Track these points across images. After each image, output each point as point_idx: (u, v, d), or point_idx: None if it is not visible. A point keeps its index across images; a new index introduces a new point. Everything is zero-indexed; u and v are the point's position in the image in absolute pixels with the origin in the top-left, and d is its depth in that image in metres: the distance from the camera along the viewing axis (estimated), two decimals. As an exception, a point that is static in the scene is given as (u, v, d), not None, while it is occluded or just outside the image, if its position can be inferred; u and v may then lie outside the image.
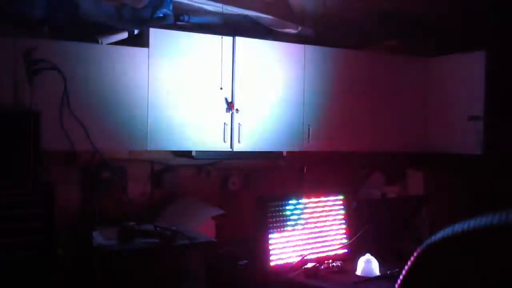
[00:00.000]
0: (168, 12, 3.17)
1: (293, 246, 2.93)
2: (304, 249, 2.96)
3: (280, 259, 2.87)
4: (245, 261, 3.05)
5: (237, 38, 3.27)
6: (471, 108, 3.65)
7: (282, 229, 2.90)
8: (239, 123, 3.26)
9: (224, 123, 3.24)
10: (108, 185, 3.29)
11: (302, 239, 2.97)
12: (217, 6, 3.37)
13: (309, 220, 3.02)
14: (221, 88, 3.22)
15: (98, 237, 2.76)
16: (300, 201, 3.00)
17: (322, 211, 3.08)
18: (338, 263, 2.87)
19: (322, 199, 3.09)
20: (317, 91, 3.52)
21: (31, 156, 2.40)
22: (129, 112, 2.99)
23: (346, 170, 4.08)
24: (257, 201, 2.89)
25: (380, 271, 2.78)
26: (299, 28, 3.65)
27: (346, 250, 3.08)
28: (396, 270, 2.65)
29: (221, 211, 3.44)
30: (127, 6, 3.10)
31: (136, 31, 3.12)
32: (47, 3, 2.88)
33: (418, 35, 4.01)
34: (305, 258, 2.90)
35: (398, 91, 3.86)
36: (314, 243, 3.02)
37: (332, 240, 3.09)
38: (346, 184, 3.94)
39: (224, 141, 3.23)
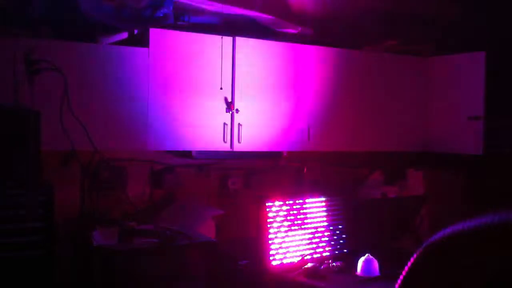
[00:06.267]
0: (168, 12, 3.17)
1: (293, 246, 2.93)
2: (304, 249, 2.96)
3: (280, 259, 2.87)
4: (245, 261, 3.05)
5: (237, 38, 3.27)
6: (471, 108, 3.65)
7: (282, 229, 2.90)
8: (239, 123, 3.26)
9: (224, 123, 3.24)
10: (108, 185, 3.29)
11: (302, 239, 2.97)
12: (217, 6, 3.36)
13: (309, 220, 3.02)
14: (221, 88, 3.22)
15: (98, 237, 2.76)
16: (300, 201, 3.00)
17: (322, 211, 3.08)
18: (338, 263, 2.87)
19: (322, 199, 3.09)
20: (317, 91, 3.52)
21: (31, 156, 2.40)
22: (129, 112, 2.99)
23: (346, 170, 4.08)
24: (257, 201, 2.89)
25: (380, 271, 2.78)
26: (299, 28, 3.65)
27: (346, 250, 3.08)
28: (396, 270, 2.65)
29: (221, 211, 3.44)
30: (127, 6, 3.10)
31: (136, 31, 3.12)
32: (47, 3, 2.88)
33: (418, 35, 4.01)
34: (305, 258, 2.90)
35: (398, 91, 3.86)
36: (314, 243, 3.02)
37: (332, 240, 3.09)
38: (346, 184, 3.94)
39: (224, 141, 3.23)
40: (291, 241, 2.93)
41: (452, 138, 3.79)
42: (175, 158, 3.55)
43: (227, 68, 3.25)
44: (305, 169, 3.96)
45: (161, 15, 3.14)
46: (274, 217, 2.89)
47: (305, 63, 3.48)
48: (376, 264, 2.79)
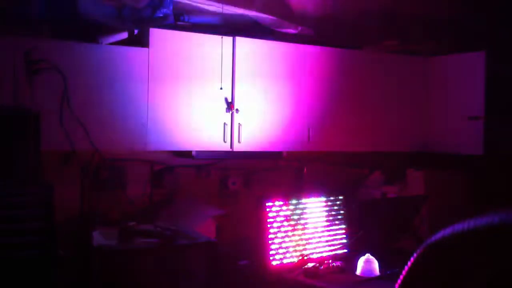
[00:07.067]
0: (168, 12, 3.17)
1: (293, 246, 2.93)
2: (304, 249, 2.96)
3: (280, 259, 2.87)
4: (245, 261, 3.05)
5: (237, 38, 3.27)
6: (471, 108, 3.65)
7: (282, 229, 2.90)
8: (239, 123, 3.26)
9: (224, 123, 3.24)
10: (108, 185, 3.29)
11: (302, 239, 2.97)
12: (217, 6, 3.37)
13: (309, 220, 3.02)
14: (221, 88, 3.22)
15: (98, 237, 2.76)
16: (300, 201, 3.00)
17: (322, 211, 3.08)
18: (338, 263, 2.87)
19: (322, 199, 3.09)
20: (317, 91, 3.53)
21: (31, 156, 2.40)
22: (129, 112, 2.99)
23: (346, 170, 4.08)
24: (257, 201, 2.89)
25: (380, 271, 2.78)
26: (299, 28, 3.65)
27: (346, 250, 3.08)
28: (396, 270, 2.65)
29: (221, 211, 3.44)
30: (127, 6, 3.10)
31: (136, 31, 3.12)
32: (47, 2, 2.88)
33: (418, 35, 4.01)
34: (305, 258, 2.90)
35: (398, 91, 3.86)
36: (314, 243, 3.02)
37: (332, 240, 3.09)
38: (346, 184, 3.94)
39: (224, 141, 3.23)
40: (291, 241, 2.93)
41: (452, 138, 3.79)
42: (175, 158, 3.55)
43: (227, 68, 3.25)
44: (305, 169, 3.96)
45: (161, 15, 3.14)
46: (274, 217, 2.89)
47: (305, 63, 3.48)
48: (376, 264, 2.79)
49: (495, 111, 3.59)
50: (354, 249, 3.02)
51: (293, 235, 2.94)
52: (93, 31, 2.99)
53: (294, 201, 2.97)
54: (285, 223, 2.92)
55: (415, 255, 0.93)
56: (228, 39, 3.25)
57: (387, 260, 2.83)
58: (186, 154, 3.40)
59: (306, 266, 2.79)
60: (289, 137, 3.44)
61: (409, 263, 0.94)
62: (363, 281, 2.70)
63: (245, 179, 3.80)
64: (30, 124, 2.42)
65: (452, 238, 0.86)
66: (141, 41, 3.08)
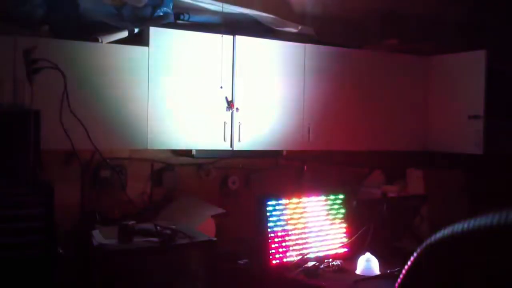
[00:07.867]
0: (169, 11, 3.17)
1: (293, 245, 2.93)
2: (304, 248, 2.96)
3: (280, 258, 2.86)
4: (245, 260, 3.05)
5: (237, 37, 3.27)
6: (471, 107, 3.65)
7: (282, 228, 2.90)
8: (239, 122, 3.26)
9: (224, 122, 3.24)
10: (108, 184, 3.29)
11: (302, 238, 2.97)
12: (217, 5, 3.36)
13: (309, 219, 3.02)
14: (221, 87, 3.22)
15: (98, 236, 2.76)
16: (300, 200, 3.00)
17: (322, 210, 3.08)
18: (338, 262, 2.86)
19: (322, 198, 3.09)
20: (317, 90, 3.52)
21: (31, 155, 2.40)
22: (129, 110, 2.99)
23: (346, 169, 4.08)
24: (257, 200, 2.88)
25: (380, 270, 2.78)
26: (299, 27, 3.65)
27: (346, 249, 3.08)
28: (396, 269, 2.65)
29: (221, 210, 3.44)
30: (128, 5, 3.10)
31: (136, 30, 3.11)
32: (48, 2, 2.88)
33: (419, 34, 4.01)
34: (305, 257, 2.90)
35: (399, 90, 3.86)
36: (314, 242, 3.02)
37: (332, 239, 3.09)
38: (346, 183, 3.94)
39: (224, 140, 3.23)
40: (291, 240, 2.93)
41: (452, 137, 3.79)
42: (175, 157, 3.55)
43: (227, 66, 3.25)
44: (305, 168, 3.96)
45: (161, 14, 3.14)
46: (274, 216, 2.88)
47: (305, 62, 3.48)
48: (376, 263, 2.79)
49: (495, 110, 3.60)
50: (354, 248, 3.02)
51: (293, 234, 2.94)
52: (93, 30, 2.99)
53: (294, 200, 2.97)
54: (285, 222, 2.92)
55: (415, 255, 0.93)
56: (228, 38, 3.25)
57: (387, 259, 2.82)
58: (186, 153, 3.40)
59: (306, 265, 2.79)
60: (289, 136, 3.44)
61: (409, 263, 0.94)
62: (363, 280, 2.69)
63: (245, 178, 3.80)
64: (30, 123, 2.42)
65: (452, 238, 0.86)
66: (141, 40, 3.08)
